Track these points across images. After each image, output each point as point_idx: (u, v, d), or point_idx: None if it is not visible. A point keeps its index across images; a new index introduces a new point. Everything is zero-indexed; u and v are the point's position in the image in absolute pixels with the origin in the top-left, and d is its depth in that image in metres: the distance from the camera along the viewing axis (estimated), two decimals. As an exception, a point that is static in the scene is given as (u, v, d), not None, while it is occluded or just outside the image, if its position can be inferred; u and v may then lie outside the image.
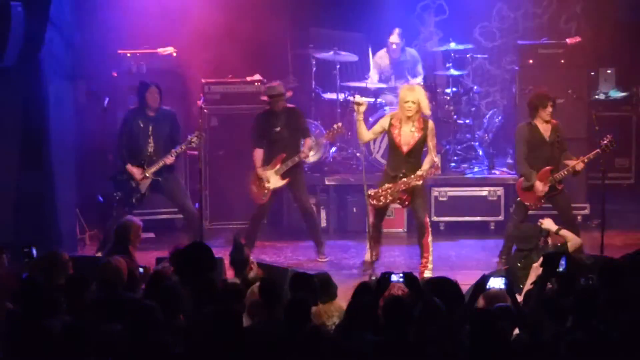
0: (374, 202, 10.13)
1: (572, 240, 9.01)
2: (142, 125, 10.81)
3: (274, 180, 10.87)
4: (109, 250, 8.82)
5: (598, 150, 10.12)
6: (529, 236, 8.97)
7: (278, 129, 10.90)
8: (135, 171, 10.73)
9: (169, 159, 10.75)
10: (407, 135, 10.08)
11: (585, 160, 10.22)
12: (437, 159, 10.40)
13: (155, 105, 10.84)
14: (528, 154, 10.38)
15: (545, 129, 10.38)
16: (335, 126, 11.07)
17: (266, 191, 10.89)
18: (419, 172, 10.00)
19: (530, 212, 10.50)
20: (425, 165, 10.09)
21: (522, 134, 10.43)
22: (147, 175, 10.74)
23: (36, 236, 10.24)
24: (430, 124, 10.15)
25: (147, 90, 10.82)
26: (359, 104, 10.18)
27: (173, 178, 10.99)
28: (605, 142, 10.09)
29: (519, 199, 10.54)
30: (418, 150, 10.13)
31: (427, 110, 10.12)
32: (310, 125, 12.04)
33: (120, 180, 10.81)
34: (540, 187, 10.25)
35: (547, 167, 10.29)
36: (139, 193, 10.77)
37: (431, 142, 10.08)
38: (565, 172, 10.28)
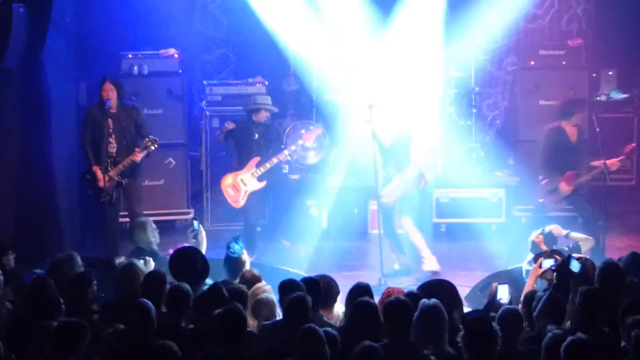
0: (387, 199, 10.23)
1: (584, 240, 9.15)
2: (102, 122, 10.34)
3: (250, 183, 10.93)
4: (132, 256, 8.61)
5: (623, 156, 10.22)
6: (546, 242, 9.07)
7: (256, 136, 10.99)
8: (99, 176, 10.24)
9: (133, 157, 10.32)
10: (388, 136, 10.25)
11: (623, 158, 10.33)
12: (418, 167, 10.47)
13: (112, 102, 10.35)
14: (554, 157, 10.38)
15: (572, 133, 10.39)
16: (311, 127, 11.18)
17: (243, 193, 10.95)
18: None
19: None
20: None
21: (550, 137, 10.45)
22: (112, 177, 10.34)
23: (38, 237, 10.27)
24: (409, 128, 10.23)
25: (102, 86, 10.39)
26: (370, 107, 10.25)
27: (135, 183, 10.57)
28: (629, 148, 10.18)
29: (540, 200, 10.55)
30: (398, 150, 10.21)
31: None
32: (311, 124, 12.14)
33: (88, 180, 10.43)
34: (565, 187, 10.28)
35: (572, 171, 10.31)
36: (108, 196, 10.36)
37: (411, 148, 10.21)
38: (590, 177, 10.29)
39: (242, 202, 10.96)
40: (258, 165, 10.90)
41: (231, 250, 8.09)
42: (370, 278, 9.94)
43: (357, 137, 12.40)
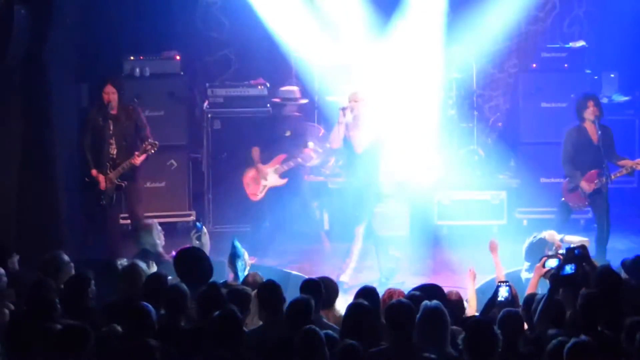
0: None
1: (578, 243, 9.13)
2: (102, 124, 10.31)
3: (272, 178, 10.94)
4: (138, 258, 8.57)
5: None
6: (538, 249, 9.06)
7: (288, 133, 11.00)
8: (100, 179, 10.26)
9: (133, 161, 10.31)
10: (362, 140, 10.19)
11: None
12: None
13: (112, 104, 10.33)
14: (575, 156, 10.39)
15: (593, 132, 10.37)
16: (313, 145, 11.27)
17: (262, 187, 10.95)
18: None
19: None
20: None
21: (570, 136, 10.45)
22: (112, 180, 10.31)
23: (38, 237, 10.26)
24: (383, 134, 10.21)
25: (102, 88, 10.36)
26: (344, 109, 10.22)
27: (135, 185, 10.56)
28: None
29: (563, 199, 10.55)
30: (367, 158, 10.18)
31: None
32: (313, 128, 12.10)
33: (87, 183, 10.43)
34: (587, 186, 10.27)
35: (594, 170, 10.31)
36: (108, 198, 10.36)
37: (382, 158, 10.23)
38: (613, 177, 10.28)
39: (260, 196, 10.98)
40: (283, 163, 10.92)
41: (234, 250, 8.12)
42: (371, 279, 9.97)
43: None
